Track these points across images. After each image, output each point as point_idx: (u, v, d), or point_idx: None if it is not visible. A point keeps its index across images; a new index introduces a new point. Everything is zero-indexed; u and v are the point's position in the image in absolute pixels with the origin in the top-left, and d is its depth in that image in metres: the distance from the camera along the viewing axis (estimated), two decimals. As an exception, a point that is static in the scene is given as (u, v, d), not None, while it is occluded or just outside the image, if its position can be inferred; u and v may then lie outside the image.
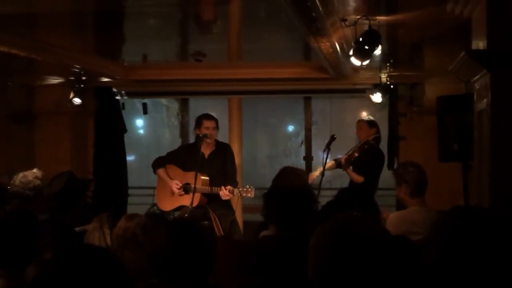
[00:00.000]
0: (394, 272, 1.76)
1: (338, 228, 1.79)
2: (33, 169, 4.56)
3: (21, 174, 4.45)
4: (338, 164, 6.59)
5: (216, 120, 6.26)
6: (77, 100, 8.01)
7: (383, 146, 7.85)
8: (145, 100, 8.99)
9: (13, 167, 6.92)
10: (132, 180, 9.00)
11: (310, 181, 6.37)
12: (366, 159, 6.48)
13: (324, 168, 6.20)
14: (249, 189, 5.89)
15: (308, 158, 9.32)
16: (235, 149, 7.37)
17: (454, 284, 1.88)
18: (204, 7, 5.31)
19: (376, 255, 1.74)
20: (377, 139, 6.71)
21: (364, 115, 9.16)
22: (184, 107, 9.81)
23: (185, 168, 6.27)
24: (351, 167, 6.53)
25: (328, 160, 6.16)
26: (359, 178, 6.38)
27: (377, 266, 1.73)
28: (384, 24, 5.31)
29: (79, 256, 1.46)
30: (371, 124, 6.70)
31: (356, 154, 6.51)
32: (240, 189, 5.94)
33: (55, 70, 7.67)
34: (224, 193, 5.94)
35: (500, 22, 3.84)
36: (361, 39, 5.03)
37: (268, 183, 4.39)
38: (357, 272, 1.71)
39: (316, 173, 6.48)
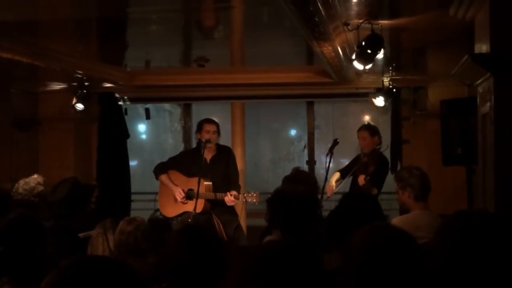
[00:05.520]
0: (414, 276, 1.79)
1: (374, 237, 1.85)
2: (33, 175, 4.55)
3: (22, 182, 4.44)
4: (354, 185, 6.39)
5: (217, 124, 6.26)
6: (80, 106, 8.02)
7: (387, 149, 7.85)
8: (148, 106, 8.99)
9: (17, 173, 6.93)
10: (135, 186, 8.99)
11: (329, 193, 6.34)
12: (378, 170, 6.34)
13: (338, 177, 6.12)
14: (254, 195, 5.88)
15: (311, 162, 9.31)
16: (238, 153, 7.37)
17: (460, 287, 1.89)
18: (207, 12, 5.31)
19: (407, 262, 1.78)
20: (381, 145, 6.56)
21: (367, 118, 9.19)
22: (186, 112, 9.81)
23: (188, 173, 6.26)
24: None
25: (331, 165, 6.09)
26: (374, 191, 6.17)
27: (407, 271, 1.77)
28: (387, 28, 5.31)
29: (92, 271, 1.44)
30: (373, 132, 6.52)
31: (372, 169, 6.31)
32: (245, 194, 5.93)
33: (58, 76, 7.67)
34: (230, 199, 5.94)
35: (503, 25, 3.84)
36: (363, 43, 5.02)
37: (271, 188, 4.38)
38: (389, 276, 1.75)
39: (332, 186, 6.42)
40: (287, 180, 4.41)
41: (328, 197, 6.25)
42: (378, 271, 1.81)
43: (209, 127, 6.19)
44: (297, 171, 4.64)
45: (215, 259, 2.56)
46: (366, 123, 6.95)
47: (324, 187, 5.94)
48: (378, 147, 6.46)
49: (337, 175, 6.63)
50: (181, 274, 2.51)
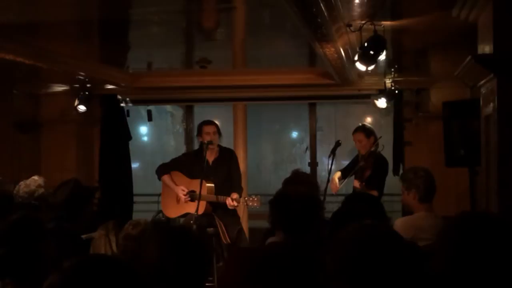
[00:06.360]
0: (405, 277, 1.77)
1: (356, 235, 1.82)
2: (33, 176, 4.53)
3: (23, 184, 4.42)
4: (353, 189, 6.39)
5: (216, 125, 6.24)
6: (82, 108, 8.02)
7: (389, 151, 7.84)
8: (150, 107, 9.00)
9: (19, 175, 6.93)
10: (137, 188, 8.99)
11: (335, 191, 6.34)
12: (375, 172, 6.30)
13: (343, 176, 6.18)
14: (255, 199, 5.88)
15: (313, 164, 9.29)
16: (240, 155, 7.35)
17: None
18: (209, 14, 5.31)
19: (391, 261, 1.75)
20: (377, 145, 6.48)
21: (369, 120, 9.18)
22: (188, 114, 9.81)
23: (190, 175, 6.25)
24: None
25: (333, 167, 6.08)
26: (374, 193, 6.06)
27: (391, 271, 1.75)
28: (389, 29, 5.30)
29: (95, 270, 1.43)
30: (368, 133, 6.46)
31: (368, 173, 6.27)
32: (246, 198, 5.93)
33: (60, 78, 7.68)
34: (230, 203, 5.93)
35: (506, 26, 3.83)
36: (366, 44, 5.01)
37: (273, 190, 4.37)
38: (373, 277, 1.73)
39: (336, 183, 6.42)
40: (287, 182, 4.39)
41: (334, 193, 6.26)
42: (363, 268, 1.80)
43: (209, 129, 6.17)
44: (296, 173, 4.62)
45: (197, 260, 2.53)
46: (360, 124, 6.89)
47: (326, 188, 5.93)
48: (374, 148, 6.42)
49: (338, 174, 6.63)
50: (163, 278, 2.47)
